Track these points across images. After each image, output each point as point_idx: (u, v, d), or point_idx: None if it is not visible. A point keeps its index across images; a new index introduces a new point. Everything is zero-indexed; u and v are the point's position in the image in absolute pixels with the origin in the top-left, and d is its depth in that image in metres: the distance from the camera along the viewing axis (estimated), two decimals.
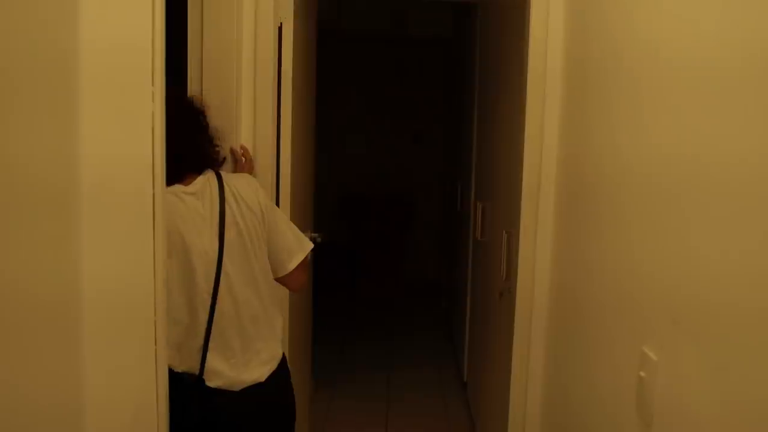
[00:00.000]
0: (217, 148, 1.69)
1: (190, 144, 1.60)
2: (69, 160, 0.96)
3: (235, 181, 1.62)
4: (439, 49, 5.77)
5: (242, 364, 1.61)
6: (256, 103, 1.94)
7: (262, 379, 1.63)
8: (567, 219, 1.84)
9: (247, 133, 1.95)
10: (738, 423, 0.89)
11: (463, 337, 3.72)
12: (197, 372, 1.57)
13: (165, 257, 1.09)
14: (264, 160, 1.98)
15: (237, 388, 1.61)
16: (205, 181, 1.59)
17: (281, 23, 1.99)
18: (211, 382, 1.58)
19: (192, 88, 1.85)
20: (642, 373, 1.18)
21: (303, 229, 2.50)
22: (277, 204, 2.06)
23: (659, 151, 1.19)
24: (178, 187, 1.55)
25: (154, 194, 1.04)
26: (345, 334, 4.70)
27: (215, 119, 1.82)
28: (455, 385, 3.78)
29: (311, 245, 1.72)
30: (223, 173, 1.64)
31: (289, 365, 1.79)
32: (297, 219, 2.27)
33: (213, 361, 1.58)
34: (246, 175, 1.71)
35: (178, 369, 1.55)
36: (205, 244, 1.55)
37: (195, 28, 1.81)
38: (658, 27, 1.22)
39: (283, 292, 1.92)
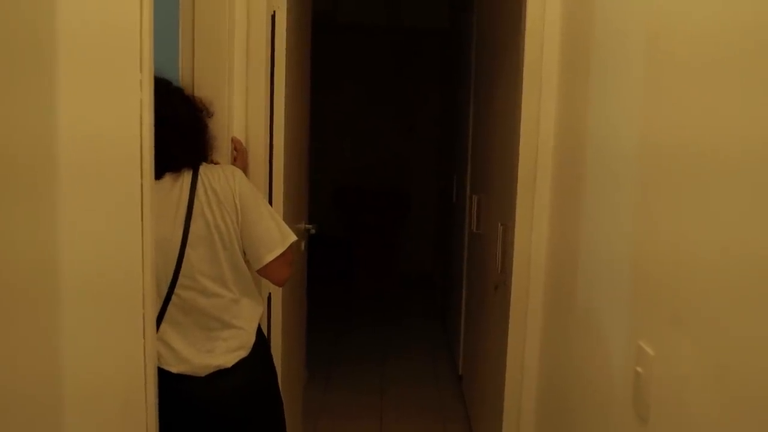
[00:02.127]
0: (211, 153, 1.73)
1: (189, 145, 1.62)
2: (49, 144, 0.93)
3: (210, 174, 1.63)
4: (435, 41, 5.74)
5: (206, 350, 1.64)
6: (248, 93, 1.91)
7: (228, 365, 1.64)
8: (563, 211, 1.83)
9: (240, 123, 1.92)
10: (735, 418, 0.88)
11: (458, 330, 3.71)
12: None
13: (153, 247, 1.06)
14: (257, 151, 1.96)
15: (202, 373, 1.63)
16: (177, 177, 1.60)
17: (274, 12, 1.96)
18: (173, 368, 1.60)
19: (183, 78, 1.83)
20: (639, 368, 1.17)
21: (297, 221, 2.49)
22: (270, 195, 2.04)
23: (659, 143, 1.17)
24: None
25: (142, 183, 1.02)
26: (340, 326, 4.69)
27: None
28: (450, 378, 3.78)
29: (293, 239, 1.69)
30: (203, 165, 1.64)
31: (282, 356, 1.78)
32: (291, 211, 2.26)
33: (176, 346, 1.61)
34: (225, 167, 1.70)
35: None
36: (166, 232, 1.56)
37: (186, 17, 1.79)
38: (658, 11, 1.20)
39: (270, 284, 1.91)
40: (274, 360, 1.84)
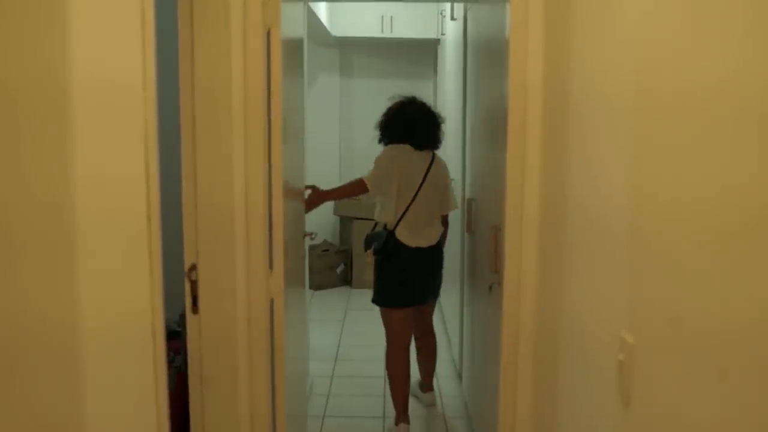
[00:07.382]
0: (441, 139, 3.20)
1: (435, 137, 3.15)
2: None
3: (439, 162, 3.15)
4: (428, 50, 5.83)
5: (425, 235, 3.10)
6: (246, 105, 1.97)
7: (433, 243, 3.11)
8: (551, 211, 1.88)
9: (239, 137, 1.98)
10: (710, 403, 0.92)
11: (458, 329, 3.77)
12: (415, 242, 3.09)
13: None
14: (257, 157, 2.02)
15: (425, 245, 3.09)
16: (428, 153, 3.10)
17: (269, 29, 2.03)
18: (416, 244, 3.06)
19: (183, 99, 1.89)
20: (620, 356, 1.23)
21: (297, 230, 2.55)
22: (269, 203, 2.10)
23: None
24: (409, 148, 3.06)
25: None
26: (339, 329, 4.73)
27: (206, 124, 1.88)
28: (451, 377, 3.83)
29: (456, 208, 3.32)
30: (436, 154, 3.14)
31: (287, 360, 1.85)
32: (290, 219, 2.31)
33: (417, 231, 3.09)
34: (443, 162, 3.20)
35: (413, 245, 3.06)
36: (417, 178, 3.03)
37: (186, 38, 1.85)
38: None
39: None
40: (279, 362, 1.93)
